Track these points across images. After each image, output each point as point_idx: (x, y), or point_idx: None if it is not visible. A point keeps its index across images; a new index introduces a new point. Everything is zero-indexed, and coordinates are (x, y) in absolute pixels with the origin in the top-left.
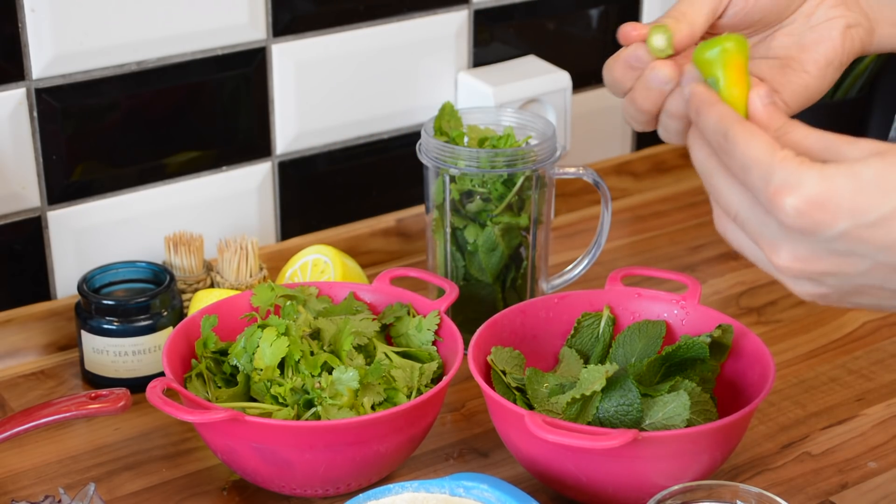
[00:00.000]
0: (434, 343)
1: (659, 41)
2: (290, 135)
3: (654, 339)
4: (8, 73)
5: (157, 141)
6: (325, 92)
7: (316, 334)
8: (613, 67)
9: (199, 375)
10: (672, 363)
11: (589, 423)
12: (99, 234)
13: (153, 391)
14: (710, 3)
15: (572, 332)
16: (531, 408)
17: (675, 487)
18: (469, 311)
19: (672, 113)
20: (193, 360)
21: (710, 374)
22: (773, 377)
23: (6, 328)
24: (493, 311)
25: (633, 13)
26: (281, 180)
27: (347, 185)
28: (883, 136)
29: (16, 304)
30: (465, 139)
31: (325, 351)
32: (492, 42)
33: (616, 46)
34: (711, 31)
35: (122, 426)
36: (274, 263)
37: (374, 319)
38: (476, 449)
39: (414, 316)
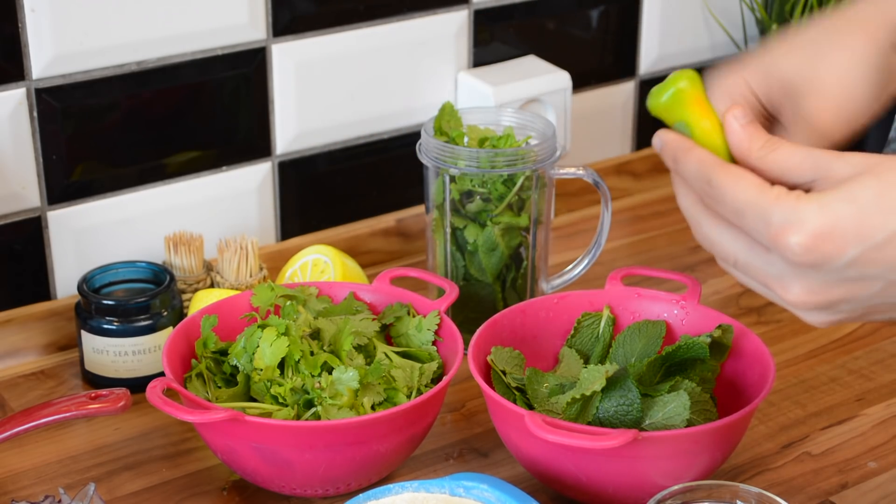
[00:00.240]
0: (434, 343)
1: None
2: (290, 135)
3: (654, 339)
4: (8, 73)
5: (157, 141)
6: (324, 92)
7: (316, 334)
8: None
9: (199, 375)
10: (672, 363)
11: (589, 423)
12: (99, 234)
13: (153, 391)
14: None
15: (572, 332)
16: (531, 408)
17: (675, 487)
18: (469, 311)
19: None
20: (193, 360)
21: (710, 374)
22: (773, 377)
23: (6, 328)
24: (493, 311)
25: (633, 13)
26: (281, 180)
27: (347, 185)
28: (883, 135)
29: (16, 304)
30: (465, 139)
31: (325, 351)
32: (492, 42)
33: (616, 46)
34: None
35: (122, 426)
36: (274, 263)
37: (374, 319)
38: (476, 449)
39: (414, 316)
